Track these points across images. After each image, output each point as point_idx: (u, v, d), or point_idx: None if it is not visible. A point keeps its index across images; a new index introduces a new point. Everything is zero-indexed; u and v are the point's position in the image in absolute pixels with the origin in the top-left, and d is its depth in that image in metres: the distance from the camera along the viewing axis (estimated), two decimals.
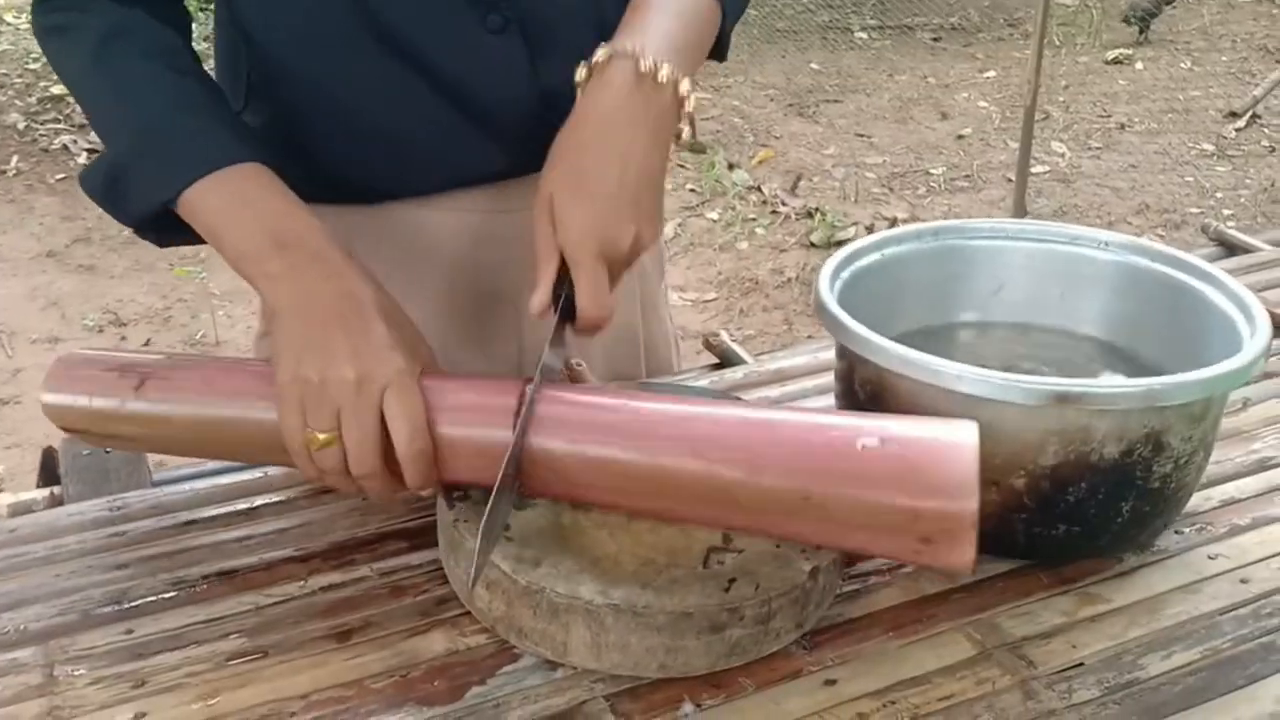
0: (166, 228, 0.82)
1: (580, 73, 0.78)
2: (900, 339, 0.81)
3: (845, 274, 0.93)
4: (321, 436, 0.71)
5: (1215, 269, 0.89)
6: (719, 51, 0.87)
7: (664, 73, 0.75)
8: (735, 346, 1.16)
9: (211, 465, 0.98)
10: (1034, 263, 0.98)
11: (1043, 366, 0.96)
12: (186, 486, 0.91)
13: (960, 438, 0.71)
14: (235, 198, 0.78)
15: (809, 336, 3.20)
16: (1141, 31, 5.54)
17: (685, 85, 0.77)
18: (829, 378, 1.04)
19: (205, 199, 0.78)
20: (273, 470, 0.93)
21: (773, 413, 0.78)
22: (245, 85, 0.93)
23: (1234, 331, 0.83)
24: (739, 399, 0.92)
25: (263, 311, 1.06)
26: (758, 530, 0.75)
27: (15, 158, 4.37)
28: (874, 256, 0.96)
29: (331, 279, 0.74)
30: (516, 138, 0.90)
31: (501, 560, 0.72)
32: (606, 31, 0.80)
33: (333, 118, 0.91)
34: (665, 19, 0.79)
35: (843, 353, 0.88)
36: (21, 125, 4.66)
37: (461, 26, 0.86)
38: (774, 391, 1.06)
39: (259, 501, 0.89)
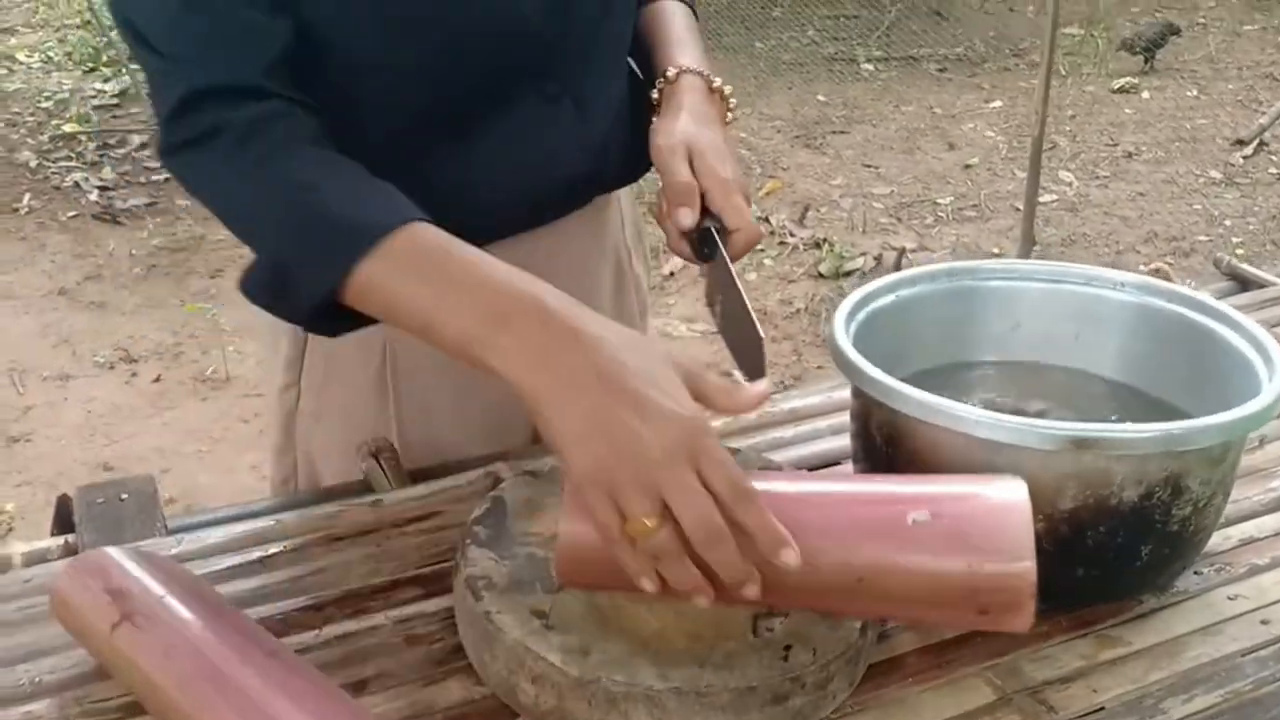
0: (341, 316, 0.78)
1: (659, 86, 0.98)
2: (914, 379, 0.81)
3: (860, 316, 0.93)
4: (650, 523, 0.63)
5: (1232, 310, 0.88)
6: None
7: (717, 83, 0.99)
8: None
9: (225, 511, 0.98)
10: (1049, 303, 0.98)
11: (1059, 408, 0.95)
12: (201, 535, 0.91)
13: (1010, 498, 0.69)
14: (411, 267, 0.73)
15: (819, 367, 3.20)
16: (1146, 60, 5.55)
17: (728, 89, 1.00)
18: (843, 418, 1.04)
19: (374, 275, 0.73)
20: (287, 516, 0.93)
21: (814, 486, 0.74)
22: None
23: (1252, 373, 0.83)
24: (769, 466, 0.91)
25: (288, 363, 1.05)
26: (811, 608, 0.72)
27: (27, 195, 4.40)
28: (888, 298, 0.96)
29: (573, 349, 0.67)
30: (567, 187, 1.02)
31: (547, 651, 0.70)
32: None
33: (381, 115, 0.90)
34: (691, 39, 1.03)
35: (858, 395, 0.88)
36: (34, 163, 4.69)
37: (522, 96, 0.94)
38: (788, 432, 1.06)
39: (273, 549, 0.89)
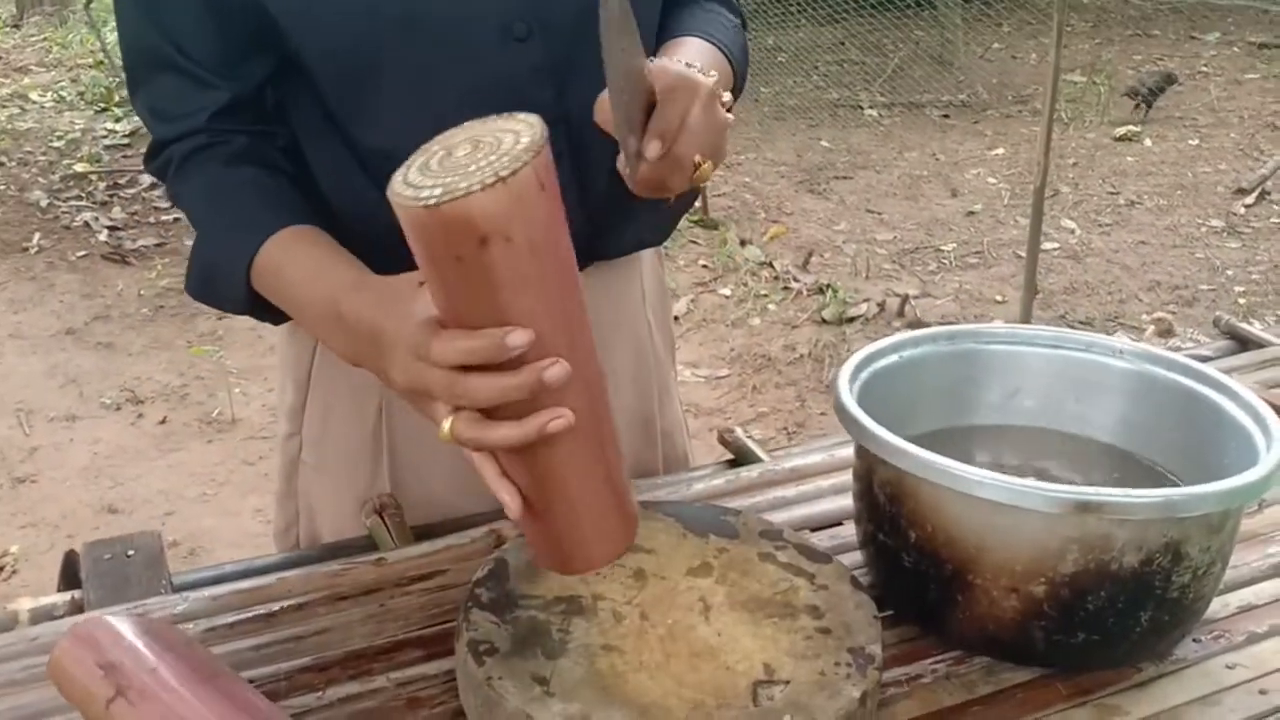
0: (273, 310, 0.90)
1: None
2: (917, 440, 0.82)
3: (864, 375, 0.94)
4: (443, 426, 0.71)
5: (1230, 380, 0.89)
6: None
7: (712, 75, 0.84)
8: (751, 444, 1.16)
9: (230, 568, 0.99)
10: (1050, 368, 0.99)
11: (1058, 472, 0.96)
12: (206, 592, 0.91)
13: None
14: (286, 264, 0.86)
15: (822, 414, 3.20)
16: (1147, 109, 5.59)
17: (726, 95, 0.86)
18: (845, 476, 1.05)
19: (266, 264, 0.87)
20: (291, 574, 0.93)
21: None
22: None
23: (1250, 442, 0.83)
24: (769, 528, 0.92)
25: (291, 411, 1.07)
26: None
27: (37, 235, 4.44)
28: (892, 358, 0.97)
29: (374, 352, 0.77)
30: None
31: (548, 719, 0.70)
32: None
33: (355, 151, 0.94)
34: (699, 57, 0.91)
35: (862, 453, 0.89)
36: (44, 203, 4.73)
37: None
38: (790, 491, 1.06)
39: (276, 608, 0.89)
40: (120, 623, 0.77)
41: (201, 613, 0.89)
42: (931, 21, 6.87)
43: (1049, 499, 0.76)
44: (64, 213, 4.60)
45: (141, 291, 3.96)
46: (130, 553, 0.97)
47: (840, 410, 0.87)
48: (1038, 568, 0.79)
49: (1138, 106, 5.56)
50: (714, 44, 0.97)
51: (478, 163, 0.62)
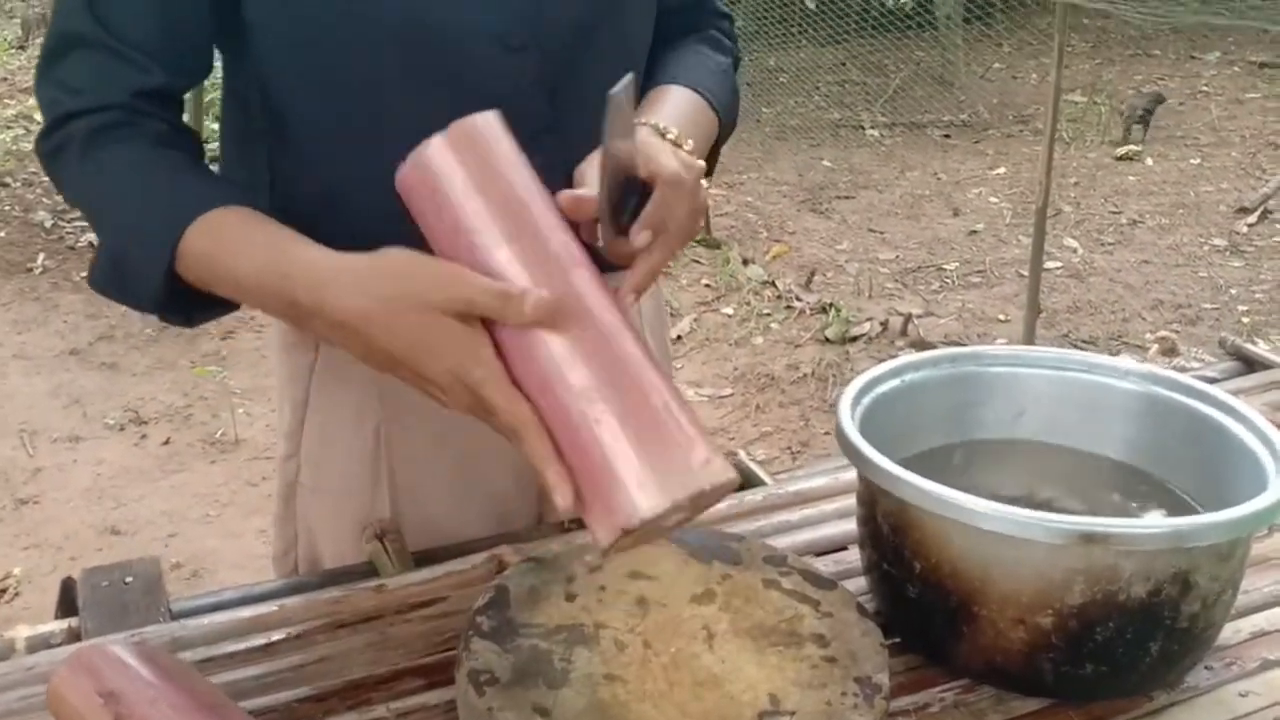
0: (189, 305, 0.85)
1: None
2: (918, 456, 0.81)
3: (866, 400, 0.93)
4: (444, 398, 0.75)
5: (1238, 403, 0.88)
6: (708, 169, 0.95)
7: (688, 146, 0.86)
8: (754, 466, 1.15)
9: (230, 595, 0.98)
10: (1054, 390, 0.98)
11: (1066, 496, 0.95)
12: (205, 620, 0.90)
13: None
14: (225, 240, 0.81)
15: (825, 433, 3.19)
16: (1144, 130, 5.58)
17: (699, 163, 0.86)
18: (849, 500, 1.04)
19: (195, 246, 0.81)
20: (290, 601, 0.93)
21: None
22: (267, 173, 0.95)
23: (1259, 467, 0.82)
24: (773, 554, 0.91)
25: (289, 433, 1.06)
26: None
27: (41, 255, 4.44)
28: (893, 383, 0.96)
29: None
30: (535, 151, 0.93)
31: None
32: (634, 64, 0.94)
33: (351, 167, 0.91)
34: (678, 114, 0.92)
35: (865, 481, 0.88)
36: (49, 223, 4.74)
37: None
38: (793, 515, 1.05)
39: (276, 636, 0.88)
40: (122, 650, 0.77)
41: (200, 640, 0.88)
42: (932, 42, 6.88)
43: (1053, 530, 0.75)
44: (68, 233, 4.60)
45: None
46: (128, 579, 0.96)
47: (842, 438, 0.87)
48: (1044, 599, 0.78)
49: (1129, 129, 5.55)
50: (701, 96, 0.98)
51: None
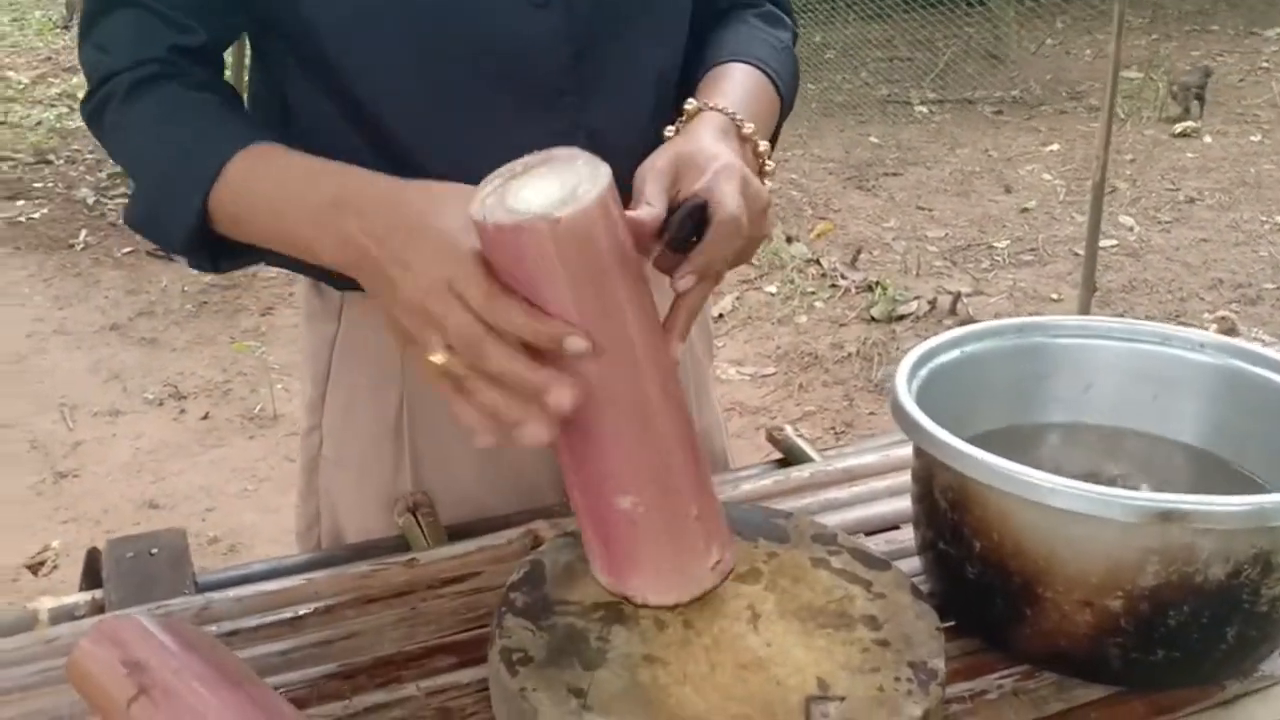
0: (218, 249, 0.84)
1: (675, 125, 0.85)
2: (979, 439, 0.77)
3: (923, 372, 0.88)
4: (436, 358, 0.68)
5: None
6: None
7: (748, 129, 0.84)
8: (801, 442, 1.11)
9: (258, 567, 0.95)
10: (1123, 364, 0.93)
11: (1135, 476, 0.90)
12: (231, 593, 0.87)
13: None
14: (262, 169, 0.79)
15: (871, 414, 3.13)
16: (1201, 105, 5.43)
17: (764, 145, 0.85)
18: (903, 478, 1.00)
19: (232, 178, 0.79)
20: (319, 575, 0.89)
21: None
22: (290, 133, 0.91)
23: None
24: (822, 531, 0.87)
25: (311, 405, 1.04)
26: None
27: (84, 231, 4.46)
28: (952, 354, 0.92)
29: (379, 244, 0.72)
30: (555, 112, 0.89)
31: None
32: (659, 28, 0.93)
33: (379, 121, 0.88)
34: (743, 93, 0.88)
35: (921, 455, 0.83)
36: (91, 200, 4.77)
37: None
38: (843, 492, 1.01)
39: (303, 610, 0.85)
40: (147, 622, 0.74)
41: (226, 614, 0.85)
42: (983, 17, 6.75)
43: (1128, 507, 0.70)
44: (110, 210, 4.62)
45: (185, 288, 3.96)
46: (154, 551, 0.93)
47: (898, 410, 0.82)
48: (1114, 581, 0.73)
49: (1188, 106, 5.41)
50: (764, 73, 0.93)
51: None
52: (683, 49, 0.96)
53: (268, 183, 0.78)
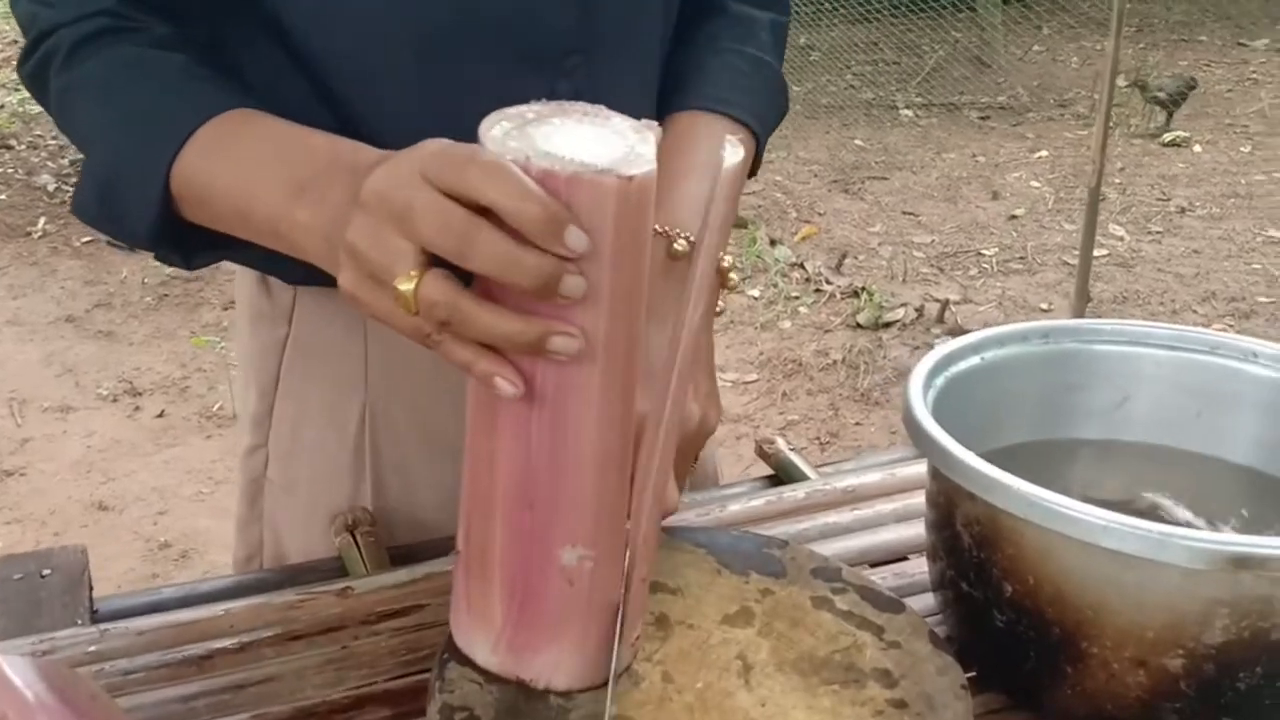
0: (187, 239, 0.70)
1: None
2: (999, 457, 0.65)
3: (938, 381, 0.77)
4: (405, 284, 0.53)
5: None
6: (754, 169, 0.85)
7: (678, 247, 0.72)
8: (795, 457, 0.99)
9: (169, 592, 0.82)
10: (1165, 374, 0.82)
11: (1177, 502, 0.79)
12: (131, 624, 0.75)
13: None
14: (220, 152, 0.65)
15: (856, 424, 3.03)
16: (1169, 116, 5.37)
17: (727, 260, 0.73)
18: (910, 500, 0.90)
19: (187, 168, 0.65)
20: (237, 605, 0.77)
21: None
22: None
23: None
24: (823, 563, 0.75)
25: (255, 420, 0.91)
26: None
27: (43, 219, 4.33)
28: (972, 360, 0.80)
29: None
30: (559, 75, 0.78)
31: None
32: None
33: (369, 86, 0.76)
34: (704, 179, 0.74)
35: (939, 478, 0.71)
36: (52, 187, 4.63)
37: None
38: (844, 516, 0.89)
39: (216, 646, 0.73)
40: (7, 663, 0.61)
41: (122, 651, 0.72)
42: (969, 22, 6.69)
43: (1194, 551, 0.59)
44: (71, 198, 4.47)
45: (145, 279, 3.82)
46: (46, 572, 0.81)
47: (913, 425, 0.70)
48: (1174, 636, 0.61)
49: (1164, 109, 5.34)
50: (734, 121, 0.81)
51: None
52: None
53: (236, 155, 0.65)
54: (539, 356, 0.54)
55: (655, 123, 0.55)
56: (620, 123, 0.55)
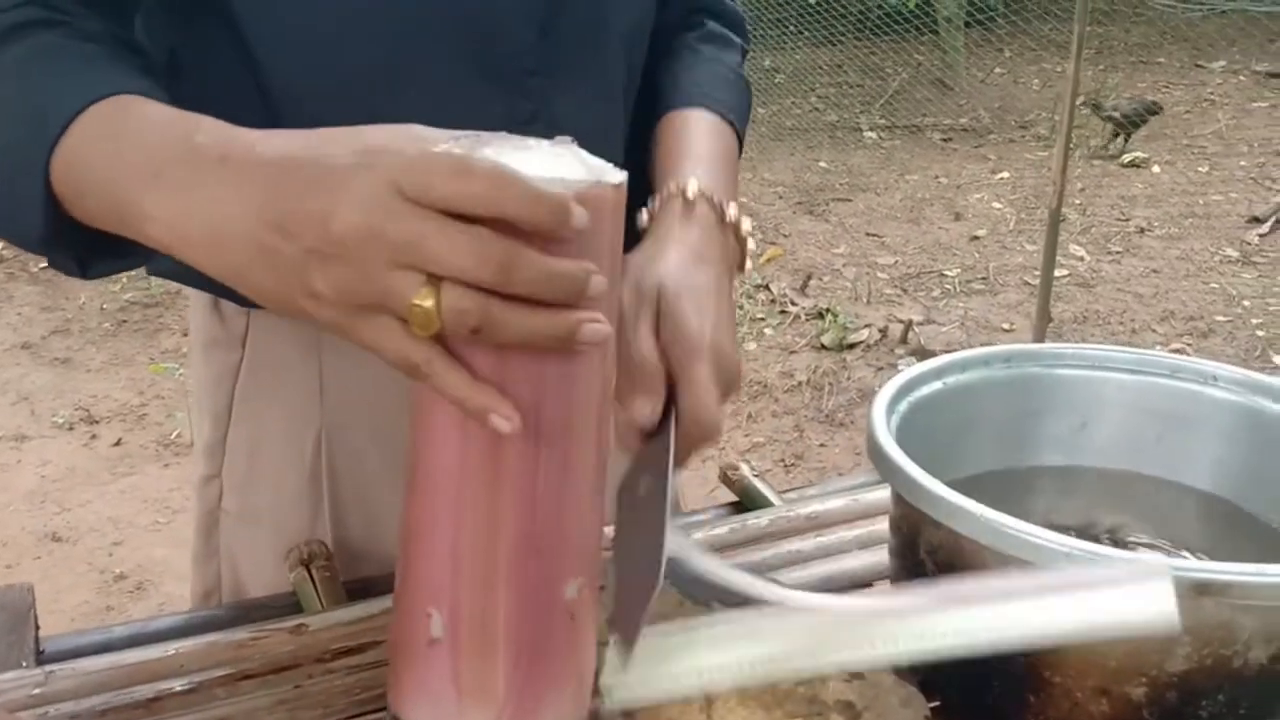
0: (90, 247, 0.63)
1: (649, 207, 0.74)
2: (963, 484, 0.65)
3: (901, 407, 0.76)
4: (423, 301, 0.47)
5: None
6: None
7: (731, 213, 0.74)
8: (759, 484, 0.98)
9: (119, 630, 0.80)
10: (1127, 398, 0.82)
11: (1137, 525, 0.79)
12: (78, 665, 0.73)
13: None
14: (103, 136, 0.59)
15: (821, 445, 3.03)
16: (1126, 137, 5.43)
17: (747, 224, 0.76)
18: (873, 526, 0.89)
19: (71, 153, 0.59)
20: (186, 644, 0.75)
21: None
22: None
23: None
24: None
25: (208, 449, 0.89)
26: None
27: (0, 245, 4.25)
28: (934, 386, 0.80)
29: (222, 176, 0.52)
30: (519, 95, 0.77)
31: None
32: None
33: (325, 104, 0.71)
34: (712, 160, 0.78)
35: (902, 504, 0.71)
36: None
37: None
38: (807, 543, 0.88)
39: (164, 687, 0.71)
40: None
41: (67, 693, 0.70)
42: (932, 45, 6.76)
43: None
44: None
45: (104, 305, 3.78)
46: None
47: (876, 453, 0.70)
48: (1137, 664, 0.61)
49: (1116, 135, 5.42)
50: (723, 118, 0.83)
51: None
52: (654, 10, 0.85)
53: (115, 141, 0.58)
54: (566, 351, 0.50)
55: (569, 138, 0.54)
56: (545, 145, 0.53)
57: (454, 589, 0.54)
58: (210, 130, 0.55)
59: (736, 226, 0.75)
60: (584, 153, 0.53)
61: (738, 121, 0.84)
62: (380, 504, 0.87)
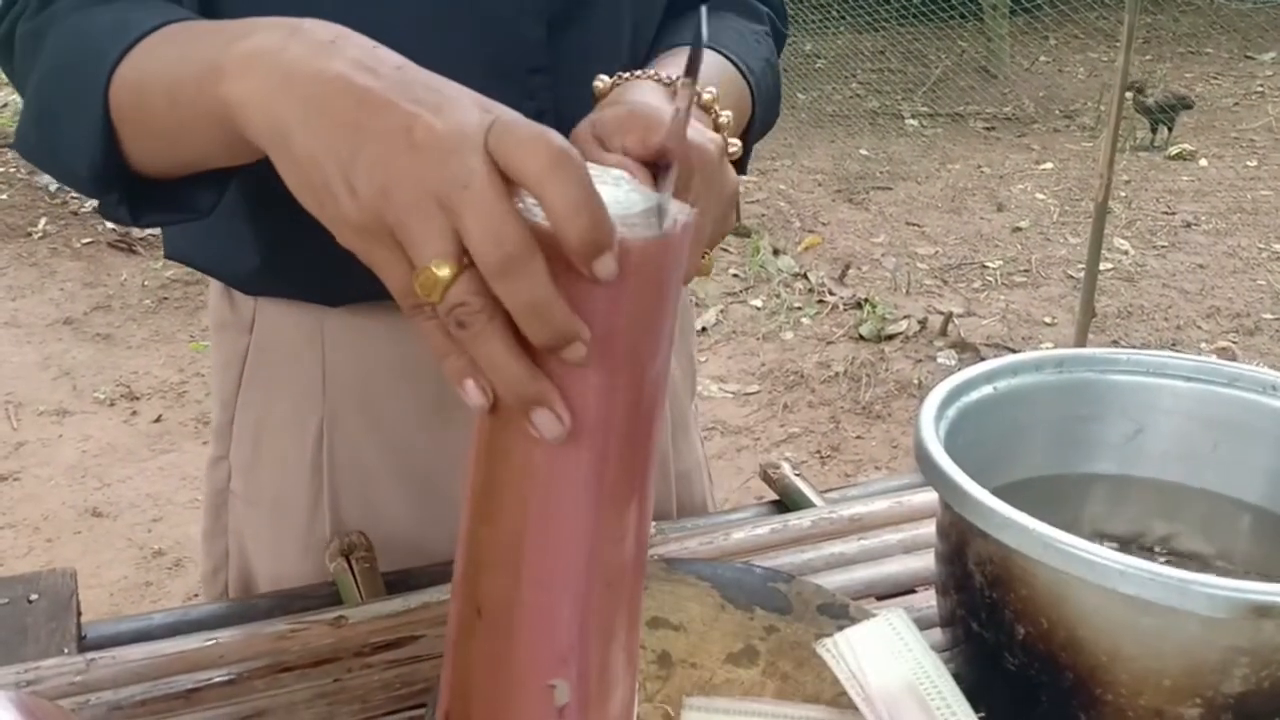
0: (141, 193, 0.63)
1: (605, 81, 0.68)
2: (1010, 491, 0.63)
3: (950, 412, 0.74)
4: (442, 271, 0.44)
5: None
6: (740, 164, 0.74)
7: (708, 93, 0.67)
8: (800, 483, 0.97)
9: (160, 618, 0.81)
10: (1183, 406, 0.80)
11: (1188, 538, 0.77)
12: (118, 654, 0.73)
13: None
14: (163, 45, 0.58)
15: (858, 437, 3.00)
16: (1154, 130, 5.33)
17: (726, 115, 0.67)
18: (918, 530, 0.88)
19: (126, 73, 0.58)
20: (226, 634, 0.75)
21: None
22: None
23: None
24: (831, 600, 0.73)
25: (218, 430, 0.90)
26: None
27: (43, 220, 4.30)
28: (984, 390, 0.78)
29: (322, 65, 0.49)
30: (524, 95, 0.75)
31: None
32: None
33: None
34: (708, 78, 0.73)
35: (951, 512, 0.69)
36: (53, 187, 4.60)
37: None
38: (850, 546, 0.87)
39: (204, 678, 0.71)
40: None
41: (108, 682, 0.70)
42: (976, 32, 6.68)
43: (1215, 599, 0.56)
44: (73, 198, 4.45)
45: (145, 282, 3.80)
46: (33, 597, 0.79)
47: (925, 460, 0.68)
48: (1193, 684, 0.59)
49: (1155, 128, 5.32)
50: (728, 59, 0.77)
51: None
52: (663, 8, 0.83)
53: (174, 49, 0.57)
54: (534, 407, 0.46)
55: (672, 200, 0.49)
56: (643, 194, 0.50)
57: (582, 648, 0.47)
58: (319, 21, 0.52)
59: (714, 113, 0.67)
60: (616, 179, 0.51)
61: (749, 70, 0.78)
62: (378, 495, 0.87)
